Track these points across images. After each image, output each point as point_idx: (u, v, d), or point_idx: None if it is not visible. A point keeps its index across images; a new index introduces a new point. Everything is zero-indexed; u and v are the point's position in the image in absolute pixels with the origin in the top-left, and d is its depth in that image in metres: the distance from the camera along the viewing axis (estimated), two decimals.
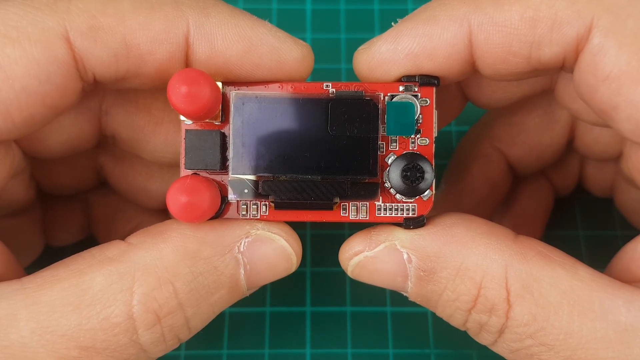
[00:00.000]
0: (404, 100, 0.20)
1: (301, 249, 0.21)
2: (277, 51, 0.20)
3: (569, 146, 0.28)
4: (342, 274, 0.30)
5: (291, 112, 0.20)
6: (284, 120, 0.20)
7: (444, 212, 0.22)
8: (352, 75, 0.34)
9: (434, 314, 0.30)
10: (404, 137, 0.21)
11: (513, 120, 0.28)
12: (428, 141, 0.21)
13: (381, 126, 0.20)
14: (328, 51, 0.36)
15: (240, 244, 0.20)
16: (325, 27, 0.37)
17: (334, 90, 0.21)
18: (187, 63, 0.20)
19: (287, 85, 0.21)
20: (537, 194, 0.30)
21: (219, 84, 0.20)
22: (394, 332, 0.30)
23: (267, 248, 0.20)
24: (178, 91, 0.18)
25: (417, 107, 0.20)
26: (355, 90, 0.21)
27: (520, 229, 0.30)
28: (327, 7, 0.37)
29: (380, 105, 0.20)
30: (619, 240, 0.28)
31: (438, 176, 0.31)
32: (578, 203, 0.32)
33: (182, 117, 0.20)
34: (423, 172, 0.20)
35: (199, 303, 0.19)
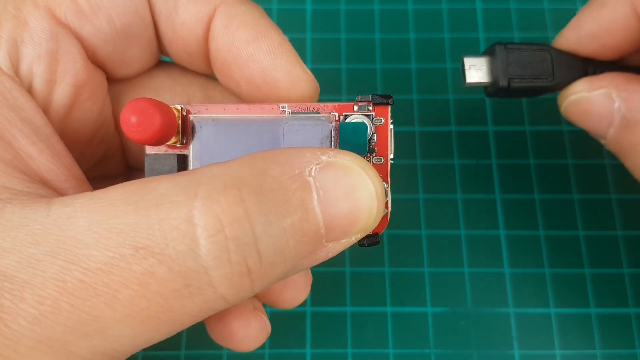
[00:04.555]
0: (357, 120, 0.21)
1: (382, 186, 0.19)
2: (274, 54, 0.21)
3: None
4: (342, 274, 0.30)
5: (248, 134, 0.21)
6: (241, 142, 0.21)
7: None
8: (352, 75, 0.34)
9: (433, 314, 0.30)
10: None
11: None
12: (383, 160, 0.21)
13: (335, 146, 0.21)
14: (328, 51, 0.36)
15: (312, 168, 0.18)
16: (325, 27, 0.37)
17: (290, 111, 0.21)
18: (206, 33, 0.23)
19: (244, 107, 0.21)
20: None
21: (179, 107, 0.21)
22: (394, 332, 0.30)
23: (342, 175, 0.18)
24: (129, 121, 0.19)
25: (370, 127, 0.21)
26: (311, 110, 0.21)
27: None
28: (327, 7, 0.37)
29: (333, 126, 0.20)
30: (619, 240, 0.28)
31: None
32: (579, 203, 0.32)
33: None
34: None
35: (268, 220, 0.17)
